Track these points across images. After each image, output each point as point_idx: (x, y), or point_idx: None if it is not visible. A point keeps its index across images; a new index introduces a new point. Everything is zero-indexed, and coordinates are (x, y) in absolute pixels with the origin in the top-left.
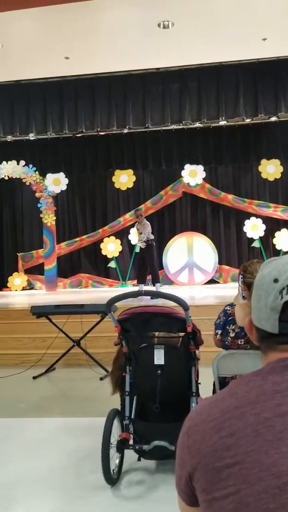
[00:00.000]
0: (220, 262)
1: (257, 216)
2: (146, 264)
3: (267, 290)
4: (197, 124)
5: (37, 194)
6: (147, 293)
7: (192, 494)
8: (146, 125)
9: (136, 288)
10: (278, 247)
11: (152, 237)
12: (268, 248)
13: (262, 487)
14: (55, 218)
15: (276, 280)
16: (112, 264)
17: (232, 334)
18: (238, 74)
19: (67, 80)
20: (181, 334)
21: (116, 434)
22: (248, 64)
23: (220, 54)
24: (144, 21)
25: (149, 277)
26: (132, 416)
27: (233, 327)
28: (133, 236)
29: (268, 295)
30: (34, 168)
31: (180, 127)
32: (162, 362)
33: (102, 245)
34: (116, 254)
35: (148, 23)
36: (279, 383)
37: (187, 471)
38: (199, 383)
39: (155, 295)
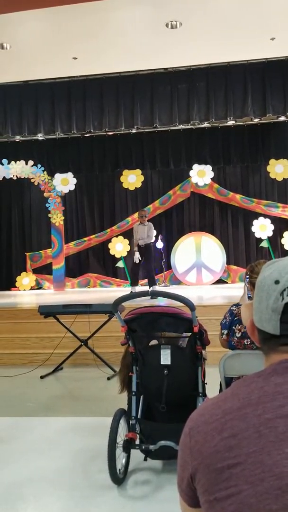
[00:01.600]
0: (228, 262)
1: (265, 216)
2: (143, 266)
3: (268, 291)
4: (205, 124)
5: (45, 194)
6: (153, 293)
7: (194, 495)
8: (154, 125)
9: (144, 288)
10: (286, 247)
11: (153, 239)
12: (276, 248)
13: (264, 488)
14: (63, 218)
15: (277, 282)
16: (120, 264)
17: (238, 334)
18: (246, 74)
19: (75, 80)
20: (188, 334)
21: (122, 434)
22: (257, 64)
23: (228, 54)
24: (152, 21)
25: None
26: (139, 416)
27: (239, 327)
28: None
29: (269, 297)
30: (43, 168)
31: (188, 127)
32: (169, 362)
33: (110, 245)
34: (124, 254)
35: (156, 23)
36: (281, 385)
37: (189, 472)
38: (206, 383)
39: (161, 295)
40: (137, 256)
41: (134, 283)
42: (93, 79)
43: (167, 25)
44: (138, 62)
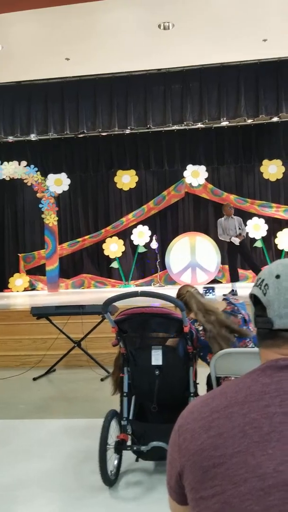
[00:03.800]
0: (222, 262)
1: (259, 216)
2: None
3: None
4: (199, 125)
5: (38, 195)
6: (143, 293)
7: (182, 492)
8: (148, 125)
9: (136, 288)
10: (280, 247)
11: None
12: (270, 248)
13: (247, 488)
14: (57, 218)
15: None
16: (114, 265)
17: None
18: (239, 74)
19: (68, 81)
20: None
21: (114, 435)
22: (249, 65)
23: (221, 55)
24: (144, 22)
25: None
26: (130, 417)
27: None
28: (136, 236)
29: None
30: (36, 169)
31: (182, 127)
32: (160, 363)
33: (104, 246)
34: (119, 255)
35: (148, 24)
36: (268, 384)
37: (177, 470)
38: (198, 383)
39: (151, 295)
40: (236, 241)
41: (235, 278)
42: (86, 79)
43: (159, 26)
44: (131, 63)
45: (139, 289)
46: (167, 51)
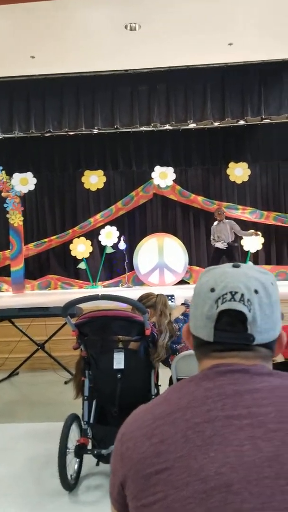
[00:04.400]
0: (190, 263)
1: (226, 217)
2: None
3: (204, 299)
4: (167, 126)
5: (3, 194)
6: (104, 297)
7: (124, 503)
8: (115, 126)
9: (105, 290)
10: (245, 248)
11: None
12: (236, 249)
13: (189, 492)
14: (22, 218)
15: (212, 290)
16: (82, 265)
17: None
18: (206, 78)
19: (34, 79)
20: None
21: (74, 439)
22: (216, 68)
23: (187, 57)
24: (111, 22)
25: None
26: (91, 421)
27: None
28: (104, 237)
29: (205, 304)
30: (1, 168)
31: (150, 128)
32: (122, 366)
33: (71, 246)
34: (87, 255)
35: (115, 24)
36: (210, 389)
37: (119, 479)
38: (160, 385)
39: (112, 299)
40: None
41: None
42: (52, 78)
43: (126, 27)
44: (98, 62)
45: (100, 291)
46: (134, 52)
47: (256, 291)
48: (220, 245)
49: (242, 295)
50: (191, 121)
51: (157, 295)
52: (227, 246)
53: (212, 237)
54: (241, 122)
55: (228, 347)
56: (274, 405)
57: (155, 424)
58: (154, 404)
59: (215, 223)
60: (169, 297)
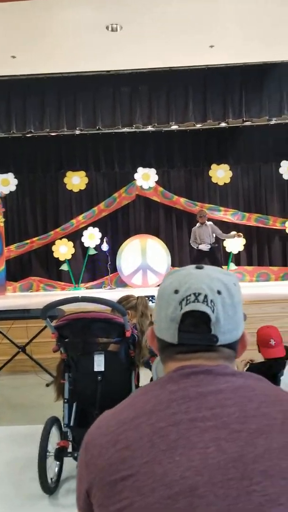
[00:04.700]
0: (173, 264)
1: (208, 219)
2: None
3: (168, 301)
4: (149, 128)
5: None
6: (84, 299)
7: (91, 510)
8: (97, 127)
9: (88, 292)
10: (228, 249)
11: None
12: (218, 250)
13: (155, 498)
14: (3, 219)
15: (176, 292)
16: (64, 267)
17: None
18: (188, 79)
19: (16, 79)
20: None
21: (55, 442)
22: (197, 70)
23: (169, 59)
24: (92, 23)
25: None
26: (72, 423)
27: None
28: (86, 238)
29: (169, 306)
30: None
31: (132, 130)
32: (102, 369)
33: (54, 248)
34: (69, 257)
35: (97, 25)
36: (175, 392)
37: (85, 488)
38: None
39: (92, 301)
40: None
41: None
42: (34, 78)
43: (107, 28)
44: (80, 63)
45: (79, 293)
46: (115, 53)
47: (219, 292)
48: (204, 247)
49: (206, 296)
50: (173, 122)
51: (138, 296)
52: (210, 248)
53: (193, 239)
54: (223, 124)
55: (192, 349)
56: (237, 406)
57: (119, 430)
58: (118, 410)
59: (197, 225)
60: (150, 298)
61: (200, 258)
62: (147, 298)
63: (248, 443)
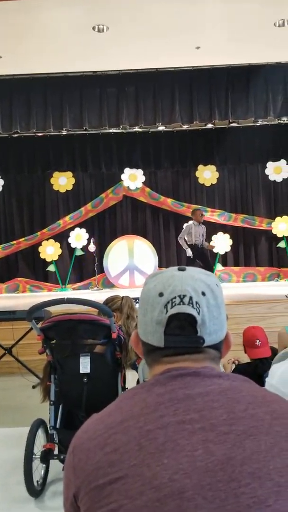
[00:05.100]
0: (160, 265)
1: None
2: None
3: (153, 304)
4: (136, 129)
5: None
6: (69, 300)
7: None
8: (84, 127)
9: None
10: (215, 250)
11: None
12: (207, 250)
13: (143, 501)
14: None
15: (161, 294)
16: (51, 268)
17: None
18: (174, 81)
19: (1, 79)
20: None
21: (41, 444)
22: (184, 72)
23: (156, 60)
24: (79, 23)
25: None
26: (58, 425)
27: None
28: (73, 239)
29: (154, 309)
30: None
31: (119, 130)
32: (88, 371)
33: (40, 249)
34: (56, 258)
35: (83, 25)
36: (162, 395)
37: (72, 492)
38: (127, 389)
39: (78, 302)
40: (190, 253)
41: None
42: (20, 79)
43: (94, 28)
44: (66, 63)
45: (66, 294)
46: (102, 53)
47: (203, 293)
48: (190, 252)
49: (191, 298)
50: (160, 123)
51: (123, 297)
52: (201, 246)
53: (185, 234)
54: (210, 125)
55: (178, 351)
56: (225, 407)
57: (107, 434)
58: (105, 413)
59: (195, 224)
60: (136, 300)
61: (195, 256)
62: (132, 299)
63: (236, 445)
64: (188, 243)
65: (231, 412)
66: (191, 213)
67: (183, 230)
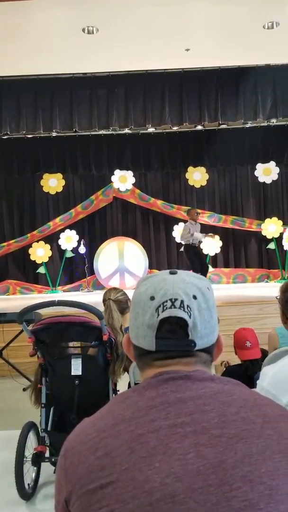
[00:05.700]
0: (150, 267)
1: (185, 221)
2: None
3: (144, 308)
4: (126, 130)
5: None
6: (60, 302)
7: None
8: (74, 129)
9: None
10: (205, 251)
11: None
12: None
13: (135, 505)
14: None
15: (152, 298)
16: (41, 270)
17: None
18: (164, 82)
19: None
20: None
21: (32, 447)
22: (173, 73)
23: (146, 62)
24: (69, 25)
25: None
26: (49, 428)
27: None
28: (63, 241)
29: (145, 313)
30: None
31: (109, 132)
32: (80, 373)
33: (30, 250)
34: (46, 260)
35: (73, 27)
36: (154, 398)
37: (64, 496)
38: (118, 391)
39: (68, 304)
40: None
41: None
42: (9, 80)
43: (83, 30)
44: (56, 65)
45: (57, 297)
46: (92, 55)
47: (194, 297)
48: (200, 236)
49: (182, 301)
50: (150, 125)
51: (108, 299)
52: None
53: (188, 234)
54: (199, 127)
55: (170, 355)
56: (216, 411)
57: (99, 437)
58: (97, 417)
59: (192, 223)
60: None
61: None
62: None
63: (227, 448)
64: (186, 243)
65: (222, 416)
66: (186, 212)
67: (182, 232)
